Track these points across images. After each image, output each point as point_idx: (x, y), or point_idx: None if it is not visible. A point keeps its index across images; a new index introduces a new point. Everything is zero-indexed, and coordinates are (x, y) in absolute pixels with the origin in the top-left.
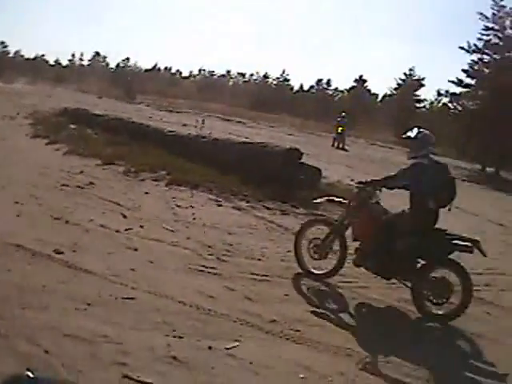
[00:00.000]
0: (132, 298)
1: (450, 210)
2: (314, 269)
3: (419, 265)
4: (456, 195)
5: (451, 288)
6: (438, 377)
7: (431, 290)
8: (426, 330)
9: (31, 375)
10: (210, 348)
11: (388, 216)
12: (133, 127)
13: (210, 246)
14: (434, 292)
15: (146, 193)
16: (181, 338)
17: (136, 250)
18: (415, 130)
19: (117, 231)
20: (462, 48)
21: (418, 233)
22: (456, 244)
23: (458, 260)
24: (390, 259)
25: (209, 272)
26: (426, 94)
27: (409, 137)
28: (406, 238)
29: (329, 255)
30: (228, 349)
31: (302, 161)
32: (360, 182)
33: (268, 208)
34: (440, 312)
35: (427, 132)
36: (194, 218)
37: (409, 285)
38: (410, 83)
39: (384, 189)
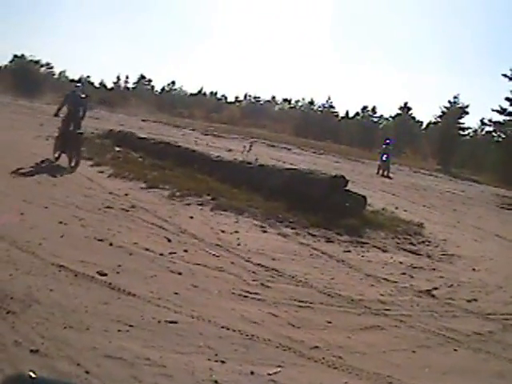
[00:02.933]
0: (175, 322)
1: None
2: None
3: None
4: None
5: None
6: None
7: None
8: None
9: (33, 375)
10: (252, 373)
11: None
12: (178, 151)
13: (254, 272)
14: None
15: (191, 217)
16: (223, 362)
17: (180, 273)
18: None
19: (161, 254)
20: (505, 75)
21: None
22: None
23: None
24: None
25: (252, 297)
26: (470, 121)
27: None
28: None
29: None
30: (270, 374)
31: (347, 188)
32: None
33: (313, 235)
34: None
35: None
36: (239, 244)
37: None
38: (454, 111)
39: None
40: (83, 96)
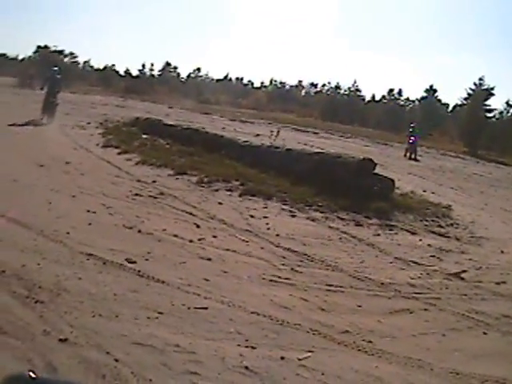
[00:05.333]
0: (205, 308)
1: None
2: None
3: None
4: None
5: None
6: None
7: None
8: None
9: (33, 375)
10: (282, 358)
11: None
12: (206, 137)
13: (283, 257)
14: None
15: (220, 203)
16: (253, 348)
17: (209, 259)
18: None
19: (190, 241)
20: None
21: None
22: None
23: None
24: None
25: (282, 282)
26: (496, 103)
27: None
28: None
29: None
30: (300, 359)
31: (375, 171)
32: None
33: (342, 219)
34: None
35: None
36: (268, 229)
37: None
38: (480, 93)
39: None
40: (58, 77)
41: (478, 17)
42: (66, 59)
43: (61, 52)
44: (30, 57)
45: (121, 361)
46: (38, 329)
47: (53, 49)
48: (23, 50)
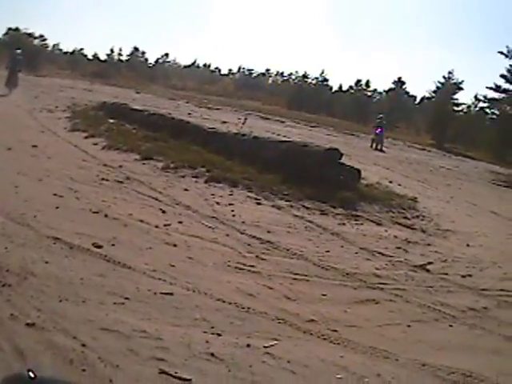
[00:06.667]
0: (171, 294)
1: None
2: None
3: None
4: None
5: None
6: None
7: None
8: None
9: (33, 375)
10: (248, 346)
11: None
12: (172, 123)
13: (249, 244)
14: None
15: (185, 189)
16: (219, 335)
17: (175, 245)
18: None
19: (156, 226)
20: (501, 53)
21: None
22: None
23: None
24: None
25: (248, 270)
26: (464, 97)
27: None
28: None
29: None
30: (266, 347)
31: (341, 161)
32: None
33: (307, 207)
34: None
35: None
36: (234, 216)
37: None
38: (449, 87)
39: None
40: (20, 58)
41: (451, 12)
42: (35, 41)
43: (30, 34)
44: None
45: (88, 346)
46: (5, 313)
47: (23, 31)
48: None
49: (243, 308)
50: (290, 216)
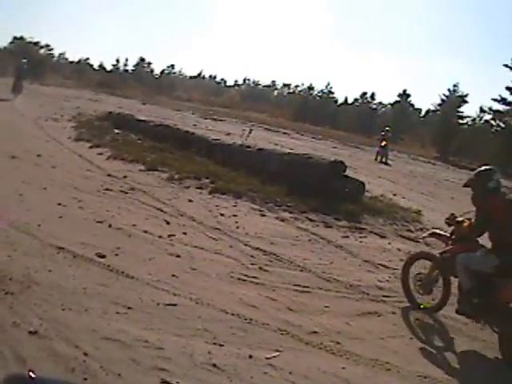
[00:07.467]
0: (174, 305)
1: None
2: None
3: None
4: None
5: None
6: None
7: None
8: None
9: (33, 375)
10: (250, 357)
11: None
12: (177, 134)
13: (252, 256)
14: None
15: (190, 200)
16: (221, 345)
17: (178, 256)
18: None
19: (159, 237)
20: (506, 66)
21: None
22: None
23: None
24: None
25: (251, 281)
26: (469, 110)
27: None
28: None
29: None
30: (268, 358)
31: (346, 173)
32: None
33: (311, 220)
34: None
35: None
36: (237, 227)
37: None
38: (454, 99)
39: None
40: (25, 67)
41: (457, 26)
42: (41, 51)
43: (36, 43)
44: (5, 47)
45: (90, 355)
46: (7, 320)
47: (28, 40)
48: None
49: (246, 319)
50: (294, 228)
